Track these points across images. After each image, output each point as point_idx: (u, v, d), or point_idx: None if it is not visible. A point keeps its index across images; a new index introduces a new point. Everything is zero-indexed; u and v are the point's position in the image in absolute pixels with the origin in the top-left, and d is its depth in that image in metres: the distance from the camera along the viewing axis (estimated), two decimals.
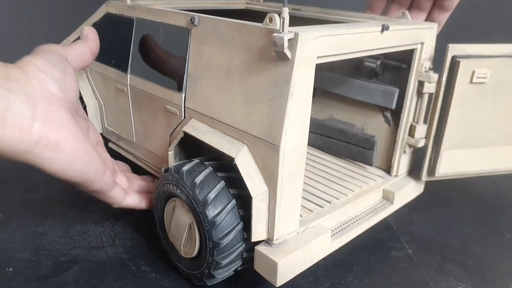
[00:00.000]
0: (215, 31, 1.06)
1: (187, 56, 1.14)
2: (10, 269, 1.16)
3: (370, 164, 1.46)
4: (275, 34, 0.86)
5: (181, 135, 1.16)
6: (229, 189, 1.03)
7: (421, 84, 1.29)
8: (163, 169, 1.12)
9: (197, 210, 1.01)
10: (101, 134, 1.59)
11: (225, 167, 1.05)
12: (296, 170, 0.99)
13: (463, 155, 1.36)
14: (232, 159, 0.99)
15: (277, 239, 1.02)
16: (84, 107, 1.55)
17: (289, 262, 1.00)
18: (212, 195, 1.00)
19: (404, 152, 1.39)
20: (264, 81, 0.95)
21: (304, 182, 1.34)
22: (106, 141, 1.57)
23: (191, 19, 1.11)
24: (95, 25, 1.44)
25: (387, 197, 1.37)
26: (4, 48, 2.49)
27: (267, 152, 0.96)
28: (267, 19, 0.93)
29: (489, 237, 1.43)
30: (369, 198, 1.33)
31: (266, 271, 1.01)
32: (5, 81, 0.86)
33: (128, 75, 1.35)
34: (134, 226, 1.38)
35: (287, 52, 0.87)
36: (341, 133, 1.51)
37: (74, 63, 1.14)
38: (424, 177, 1.40)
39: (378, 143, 1.45)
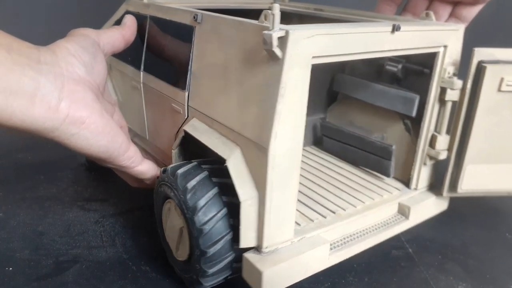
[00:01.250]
0: (216, 29, 1.03)
1: (191, 54, 1.12)
2: (10, 269, 1.17)
3: (387, 175, 1.36)
4: (265, 32, 0.82)
5: (182, 134, 1.15)
6: (223, 196, 0.99)
7: (443, 90, 1.18)
8: (162, 169, 1.11)
9: (186, 215, 0.98)
10: None
11: (223, 171, 1.01)
12: (289, 176, 0.93)
13: (489, 171, 1.24)
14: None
15: (266, 247, 0.97)
16: None
17: (277, 272, 0.95)
18: (202, 202, 0.97)
19: (425, 164, 1.29)
20: (257, 81, 0.91)
21: (311, 189, 1.28)
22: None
23: (194, 17, 1.09)
24: (117, 23, 1.45)
25: (403, 212, 1.27)
26: None
27: (257, 155, 0.91)
28: (262, 16, 0.88)
29: (489, 237, 1.43)
30: (382, 211, 1.23)
31: (253, 280, 0.96)
32: (36, 64, 0.93)
33: (141, 73, 1.36)
34: (134, 226, 1.38)
35: (276, 50, 0.82)
36: (358, 140, 1.43)
37: (105, 48, 1.19)
38: (446, 192, 1.28)
39: (398, 153, 1.35)
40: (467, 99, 1.17)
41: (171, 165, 1.08)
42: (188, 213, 0.97)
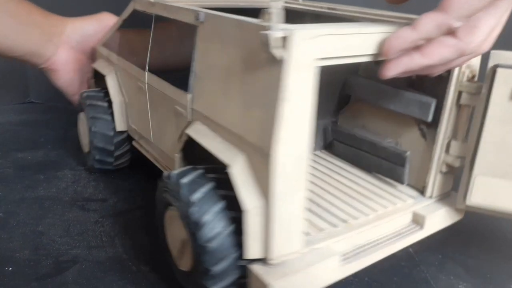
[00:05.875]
0: (218, 29, 1.00)
1: (194, 55, 1.09)
2: (10, 269, 1.16)
3: (402, 182, 1.31)
4: (262, 32, 0.77)
5: (185, 137, 1.11)
6: (231, 210, 0.93)
7: (461, 94, 1.13)
8: (165, 174, 1.06)
9: (190, 229, 0.94)
10: (126, 131, 1.63)
11: (230, 182, 0.94)
12: (296, 183, 0.88)
13: (499, 187, 1.11)
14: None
15: (274, 259, 0.92)
16: (110, 104, 1.60)
17: (285, 286, 0.90)
18: (207, 217, 0.91)
19: (441, 171, 1.23)
20: (260, 83, 0.87)
21: (320, 196, 1.23)
22: (131, 139, 1.63)
23: (196, 16, 1.06)
24: (125, 22, 1.46)
25: (417, 221, 1.21)
26: None
27: (262, 161, 0.87)
28: (263, 15, 0.82)
29: (489, 236, 1.43)
30: (395, 220, 1.18)
31: None
32: (50, 36, 1.77)
33: (146, 73, 1.33)
34: (134, 226, 1.37)
35: (275, 52, 0.78)
36: (371, 145, 1.38)
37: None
38: (458, 203, 1.20)
39: (412, 159, 1.29)
40: (483, 105, 1.08)
41: (174, 171, 1.03)
42: (191, 227, 0.93)
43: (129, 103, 1.52)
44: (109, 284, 1.12)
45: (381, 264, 1.18)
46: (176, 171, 1.03)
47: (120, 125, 1.61)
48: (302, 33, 0.78)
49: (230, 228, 0.92)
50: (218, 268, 0.92)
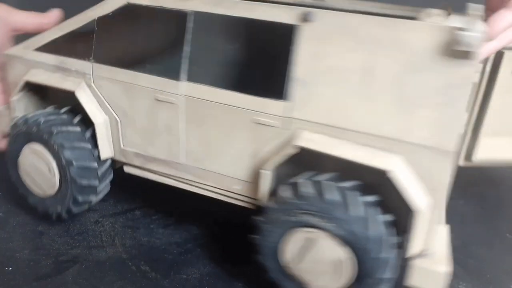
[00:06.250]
0: (346, 29, 0.94)
1: (292, 58, 1.00)
2: (10, 269, 1.17)
3: None
4: (463, 33, 0.81)
5: (290, 151, 1.02)
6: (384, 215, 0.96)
7: None
8: (281, 194, 1.01)
9: (356, 245, 0.94)
10: (111, 158, 1.34)
11: (367, 187, 0.98)
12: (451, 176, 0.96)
13: (502, 143, 1.37)
14: (377, 174, 0.92)
15: (428, 250, 0.98)
16: (85, 127, 1.29)
17: (448, 270, 0.98)
18: (380, 230, 0.94)
19: None
20: (431, 83, 0.89)
21: None
22: (119, 165, 1.37)
23: (304, 15, 0.97)
24: (105, 19, 1.21)
25: None
26: None
27: (434, 159, 0.91)
28: (433, 15, 0.92)
29: (489, 237, 1.42)
30: None
31: (428, 284, 0.98)
32: None
33: (183, 83, 1.13)
34: (134, 226, 1.36)
35: (472, 50, 0.82)
36: None
37: (16, 26, 1.45)
38: (462, 161, 1.40)
39: None
40: (486, 81, 1.29)
41: (304, 190, 0.97)
42: (359, 243, 0.94)
43: (125, 121, 1.26)
44: (109, 284, 1.12)
45: None
46: (305, 190, 0.97)
47: (106, 152, 1.30)
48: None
49: (391, 233, 0.96)
50: (388, 273, 0.96)
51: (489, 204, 1.59)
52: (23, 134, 1.30)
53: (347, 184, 0.98)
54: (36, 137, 1.28)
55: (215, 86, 1.10)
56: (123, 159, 1.32)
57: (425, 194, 0.93)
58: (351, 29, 0.93)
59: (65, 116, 1.32)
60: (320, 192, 0.96)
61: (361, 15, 0.93)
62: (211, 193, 1.23)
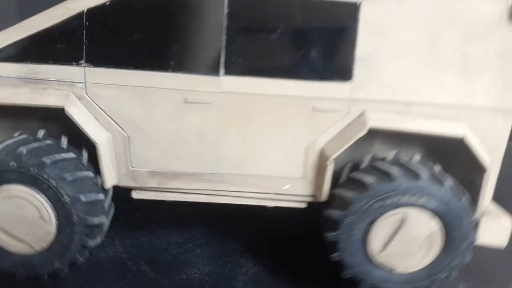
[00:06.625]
0: (408, 4, 0.98)
1: (357, 37, 1.00)
2: None
3: None
4: None
5: (359, 134, 1.01)
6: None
7: None
8: (364, 181, 1.00)
9: (447, 215, 1.00)
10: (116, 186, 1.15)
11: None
12: None
13: None
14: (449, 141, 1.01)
15: (488, 207, 1.10)
16: (79, 152, 1.08)
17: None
18: (464, 197, 1.01)
19: None
20: (490, 49, 0.98)
21: None
22: (123, 190, 1.17)
23: None
24: (99, 9, 0.99)
25: None
26: None
27: (494, 120, 1.02)
28: None
29: None
30: None
31: (497, 237, 1.09)
32: None
33: (224, 78, 1.01)
34: (134, 226, 1.36)
35: None
36: None
37: None
38: None
39: None
40: None
41: (396, 171, 0.99)
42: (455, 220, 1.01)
43: (136, 136, 1.07)
44: (109, 284, 1.12)
45: None
46: (401, 174, 0.99)
47: (111, 178, 1.10)
48: None
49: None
50: (473, 237, 1.04)
51: None
52: None
53: (417, 157, 1.06)
54: (17, 175, 0.98)
55: (264, 76, 1.02)
56: (132, 183, 1.12)
57: (487, 156, 1.02)
58: (414, 5, 0.98)
59: (49, 142, 1.05)
60: (409, 172, 1.00)
61: None
62: (253, 200, 1.14)
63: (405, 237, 1.02)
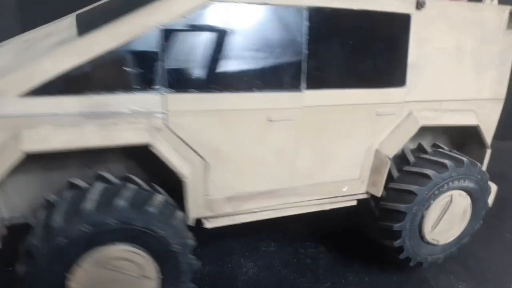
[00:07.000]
0: (445, 14, 1.11)
1: (409, 45, 1.11)
2: (10, 268, 1.09)
3: None
4: None
5: (412, 133, 1.16)
6: None
7: None
8: (426, 173, 1.14)
9: (477, 192, 1.23)
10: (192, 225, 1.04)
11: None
12: None
13: None
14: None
15: None
16: (175, 187, 0.96)
17: None
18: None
19: None
20: (495, 50, 1.19)
21: None
22: (197, 225, 1.05)
23: (418, 3, 1.07)
24: (171, 31, 0.86)
25: None
26: None
27: (491, 107, 1.26)
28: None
29: (489, 237, 1.46)
30: None
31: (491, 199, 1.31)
32: None
33: (305, 93, 1.01)
34: None
35: None
36: None
37: None
38: None
39: None
40: None
41: (451, 161, 1.17)
42: (480, 190, 1.22)
43: (217, 163, 0.99)
44: None
45: (382, 264, 1.27)
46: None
47: (194, 212, 1.02)
48: None
49: None
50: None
51: None
52: (76, 241, 0.81)
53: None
54: (117, 234, 0.83)
55: (337, 87, 1.05)
56: (207, 213, 1.05)
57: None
58: (448, 14, 1.12)
59: (132, 186, 0.90)
60: (455, 160, 1.18)
61: (454, 1, 1.14)
62: (313, 206, 1.17)
63: (450, 215, 1.21)
